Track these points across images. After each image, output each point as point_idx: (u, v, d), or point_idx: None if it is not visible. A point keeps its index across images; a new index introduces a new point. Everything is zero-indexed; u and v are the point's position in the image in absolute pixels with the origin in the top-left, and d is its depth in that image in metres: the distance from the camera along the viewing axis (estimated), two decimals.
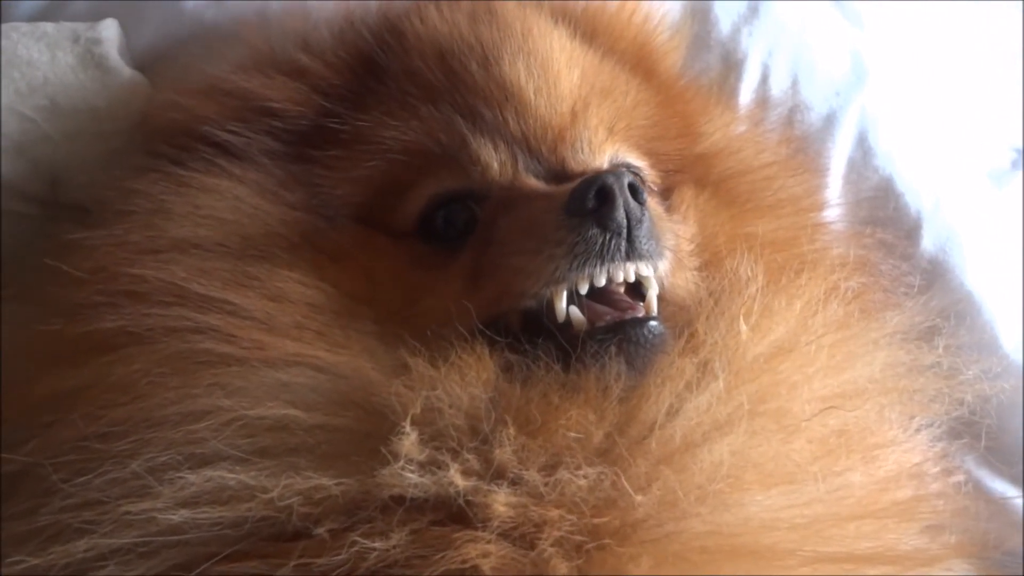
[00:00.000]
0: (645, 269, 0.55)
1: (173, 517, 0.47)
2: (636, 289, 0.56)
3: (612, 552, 0.46)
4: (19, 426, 0.55)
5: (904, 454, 0.59)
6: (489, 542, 0.45)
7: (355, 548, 0.45)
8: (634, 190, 0.54)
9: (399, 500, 0.46)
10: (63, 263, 0.58)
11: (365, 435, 0.49)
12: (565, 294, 0.54)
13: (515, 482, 0.47)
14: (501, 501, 0.47)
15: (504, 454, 0.48)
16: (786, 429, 0.52)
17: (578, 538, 0.46)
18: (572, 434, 0.48)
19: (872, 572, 0.51)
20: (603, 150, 0.63)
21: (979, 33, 1.30)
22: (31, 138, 0.66)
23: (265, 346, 0.53)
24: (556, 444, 0.48)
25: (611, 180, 0.53)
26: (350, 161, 0.62)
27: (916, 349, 0.62)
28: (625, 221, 0.53)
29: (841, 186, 0.87)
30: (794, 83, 0.88)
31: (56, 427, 0.54)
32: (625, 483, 0.47)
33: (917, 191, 0.87)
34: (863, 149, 0.88)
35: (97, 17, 0.73)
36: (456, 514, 0.47)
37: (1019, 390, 0.81)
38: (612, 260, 0.54)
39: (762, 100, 0.87)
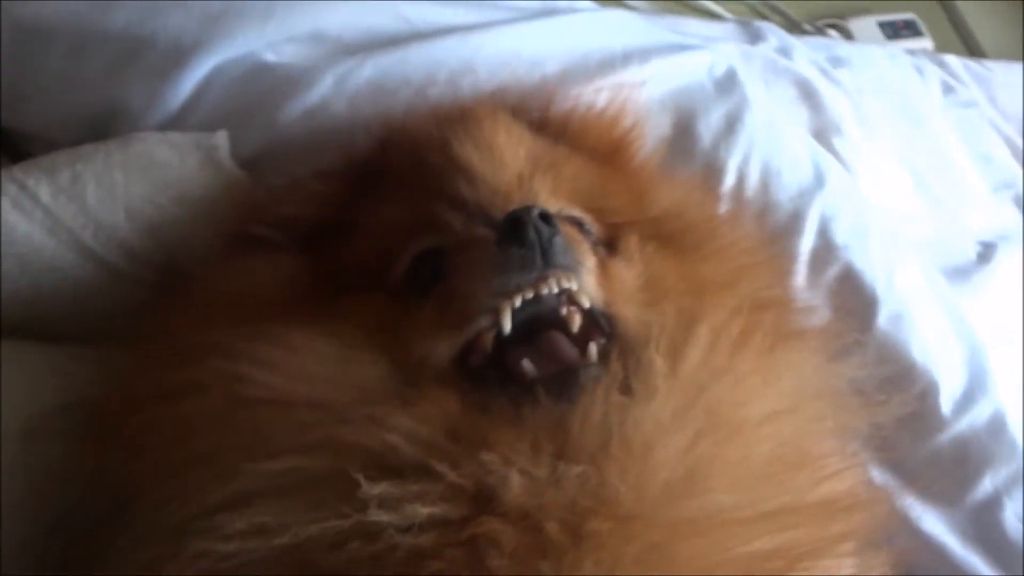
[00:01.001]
0: (567, 281, 0.68)
1: (229, 548, 0.57)
2: (586, 335, 0.69)
3: (607, 536, 0.57)
4: (104, 463, 0.68)
5: (842, 467, 0.71)
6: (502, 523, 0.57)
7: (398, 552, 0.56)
8: (544, 217, 0.68)
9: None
10: (143, 322, 0.75)
11: (344, 478, 0.59)
12: (509, 310, 0.66)
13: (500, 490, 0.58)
14: (512, 491, 0.58)
15: (469, 474, 0.59)
16: (730, 434, 0.64)
17: (575, 523, 0.57)
18: (521, 455, 0.59)
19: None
20: (548, 207, 0.75)
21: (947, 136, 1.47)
22: (163, 221, 0.84)
23: (281, 389, 0.65)
24: (514, 458, 0.59)
25: (521, 210, 0.68)
26: (353, 244, 0.79)
27: (835, 365, 0.76)
28: (536, 238, 0.67)
29: (806, 273, 1.03)
30: (764, 186, 1.06)
31: (134, 464, 0.66)
32: (608, 478, 0.59)
33: (873, 273, 1.03)
34: (825, 240, 1.04)
35: (211, 129, 0.92)
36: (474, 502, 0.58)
37: (959, 449, 0.96)
38: (531, 270, 0.66)
39: (737, 198, 1.05)
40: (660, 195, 0.89)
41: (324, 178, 0.85)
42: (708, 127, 1.08)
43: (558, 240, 0.68)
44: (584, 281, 0.70)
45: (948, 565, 0.94)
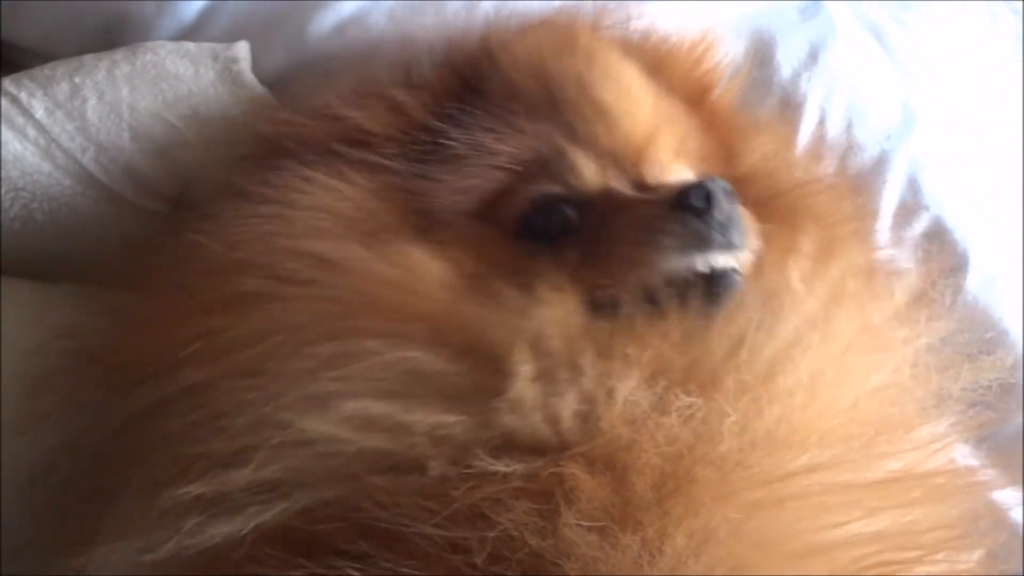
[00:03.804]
0: (736, 260, 0.64)
1: (329, 431, 0.52)
2: None
3: (702, 494, 0.50)
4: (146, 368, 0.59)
5: (941, 441, 0.63)
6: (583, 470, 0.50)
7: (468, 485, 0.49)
8: (728, 194, 0.63)
9: (507, 439, 0.52)
10: (206, 243, 0.63)
11: (479, 376, 0.54)
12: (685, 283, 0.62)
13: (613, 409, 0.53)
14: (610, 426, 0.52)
15: (598, 383, 0.53)
16: (842, 374, 0.58)
17: (667, 471, 0.50)
18: (653, 362, 0.54)
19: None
20: (670, 168, 0.72)
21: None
22: (173, 143, 0.74)
23: (400, 305, 0.58)
24: (644, 371, 0.54)
25: (713, 185, 0.63)
26: (455, 172, 0.69)
27: (931, 329, 0.68)
28: (725, 218, 0.62)
29: (891, 223, 0.92)
30: (848, 126, 0.94)
31: (197, 364, 0.57)
32: (717, 409, 0.52)
33: (964, 231, 0.92)
34: (913, 189, 0.93)
35: (231, 41, 0.82)
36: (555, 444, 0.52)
37: None
38: (711, 250, 0.62)
39: (818, 138, 0.93)
40: (749, 150, 0.81)
41: (411, 90, 0.74)
42: (788, 56, 0.96)
43: (737, 218, 0.63)
44: (743, 259, 0.65)
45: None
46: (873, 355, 0.63)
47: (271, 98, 0.80)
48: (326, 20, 0.85)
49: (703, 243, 0.62)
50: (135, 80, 0.74)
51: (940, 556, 0.54)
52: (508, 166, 0.69)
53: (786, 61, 0.96)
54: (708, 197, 0.62)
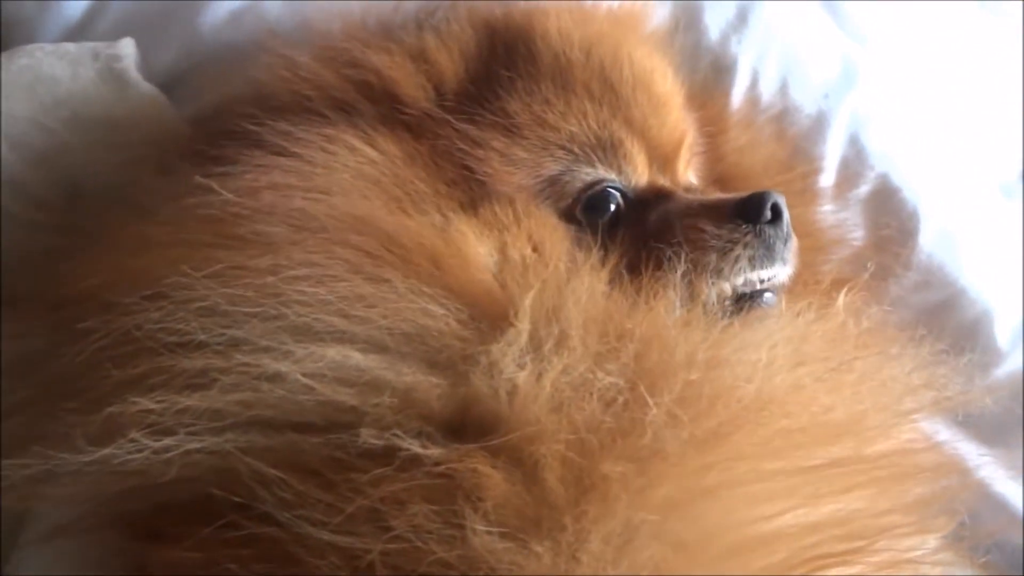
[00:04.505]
0: (785, 272, 0.67)
1: (300, 379, 0.49)
2: None
3: (619, 490, 0.46)
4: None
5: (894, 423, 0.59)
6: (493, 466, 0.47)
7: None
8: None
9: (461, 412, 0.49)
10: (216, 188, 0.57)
11: (479, 346, 0.51)
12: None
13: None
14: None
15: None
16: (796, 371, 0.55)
17: (581, 465, 0.47)
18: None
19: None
20: (687, 169, 0.74)
21: (988, 46, 1.31)
22: (53, 148, 0.70)
23: (432, 272, 0.55)
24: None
25: (779, 199, 0.65)
26: (513, 143, 0.66)
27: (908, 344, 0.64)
28: (786, 234, 0.65)
29: (835, 184, 0.88)
30: (783, 86, 0.90)
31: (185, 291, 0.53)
32: (642, 400, 0.49)
33: (913, 187, 0.88)
34: (856, 148, 0.90)
35: (119, 38, 0.78)
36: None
37: (1017, 385, 0.82)
38: (773, 263, 0.65)
39: (752, 101, 0.89)
40: (723, 139, 0.82)
41: (439, 41, 0.70)
42: (715, 18, 0.92)
43: (791, 235, 0.66)
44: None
45: (1001, 509, 0.80)
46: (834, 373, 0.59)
47: (159, 94, 0.76)
48: (219, 9, 0.82)
49: (772, 257, 0.64)
50: (9, 86, 0.71)
51: (882, 544, 0.50)
52: (567, 145, 0.67)
53: (714, 24, 0.92)
54: (777, 209, 0.64)
